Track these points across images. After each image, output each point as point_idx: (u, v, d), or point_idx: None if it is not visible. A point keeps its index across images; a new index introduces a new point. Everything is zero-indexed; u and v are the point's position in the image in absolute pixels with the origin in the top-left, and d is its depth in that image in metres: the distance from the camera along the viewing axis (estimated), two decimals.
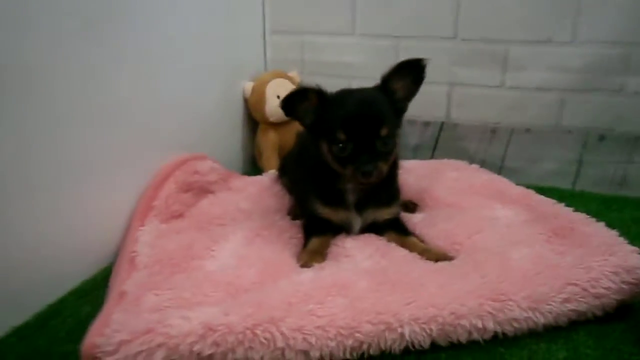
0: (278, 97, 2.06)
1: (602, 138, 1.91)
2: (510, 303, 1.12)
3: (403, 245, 1.43)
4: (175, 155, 1.66)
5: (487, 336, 1.11)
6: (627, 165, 1.90)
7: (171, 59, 1.70)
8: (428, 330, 1.07)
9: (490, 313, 1.10)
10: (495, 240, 1.39)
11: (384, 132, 1.30)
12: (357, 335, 1.04)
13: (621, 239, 1.29)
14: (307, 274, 1.21)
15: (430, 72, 2.12)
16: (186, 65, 1.78)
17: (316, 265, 1.30)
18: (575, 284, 1.16)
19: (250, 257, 1.30)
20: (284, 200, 1.71)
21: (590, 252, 1.25)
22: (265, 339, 1.00)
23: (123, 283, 1.21)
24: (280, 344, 1.00)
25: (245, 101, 2.14)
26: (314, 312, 1.06)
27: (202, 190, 1.68)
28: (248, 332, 1.00)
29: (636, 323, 1.18)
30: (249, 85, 2.10)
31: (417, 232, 1.50)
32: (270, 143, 2.09)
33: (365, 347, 1.05)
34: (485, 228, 1.45)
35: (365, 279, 1.19)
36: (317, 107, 1.37)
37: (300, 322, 1.03)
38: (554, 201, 1.57)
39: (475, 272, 1.21)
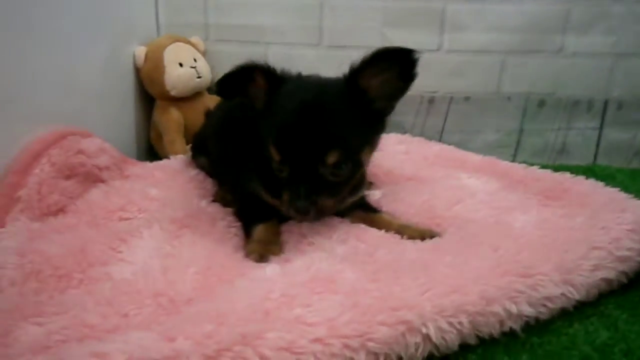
0: (180, 64, 1.66)
1: (541, 104, 1.80)
2: (542, 278, 0.87)
3: (373, 224, 1.13)
4: (48, 129, 1.18)
5: (518, 325, 0.85)
6: (567, 132, 1.82)
7: (35, 9, 1.22)
8: (458, 325, 0.78)
9: (522, 293, 0.85)
10: (481, 210, 1.16)
11: (332, 158, 0.94)
12: (370, 344, 0.71)
13: (624, 194, 1.12)
14: (273, 269, 0.85)
15: (359, 36, 1.90)
16: (54, 20, 1.30)
17: (274, 258, 0.95)
18: (600, 248, 0.96)
19: (182, 255, 0.90)
20: (206, 184, 1.31)
21: (599, 210, 1.07)
22: None
23: None
24: None
25: (137, 71, 1.69)
26: (303, 319, 0.71)
27: (89, 177, 1.21)
28: None
29: None
30: (141, 51, 1.65)
31: (384, 209, 1.21)
32: (172, 123, 1.66)
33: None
34: (465, 198, 1.21)
35: (350, 269, 0.87)
36: (268, 91, 1.02)
37: (288, 335, 0.68)
38: (524, 165, 1.40)
39: (482, 246, 0.96)
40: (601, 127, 1.81)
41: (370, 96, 0.99)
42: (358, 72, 0.98)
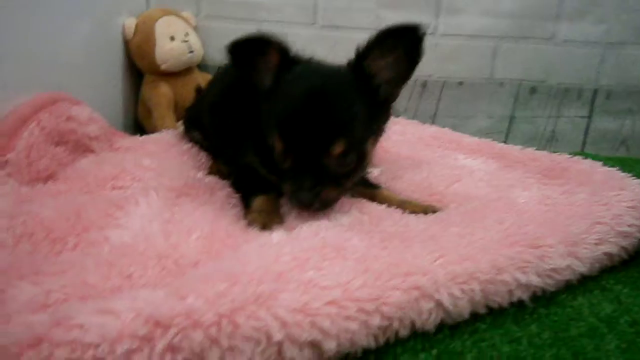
0: (172, 38, 1.61)
1: (533, 91, 1.82)
2: (549, 249, 0.87)
3: (374, 199, 1.12)
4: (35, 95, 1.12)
5: (526, 295, 0.84)
6: (556, 120, 1.84)
7: None
8: (469, 293, 0.77)
9: (530, 263, 0.84)
10: (480, 188, 1.15)
11: (337, 149, 0.90)
12: (385, 309, 0.69)
13: (622, 173, 1.13)
14: (279, 235, 0.82)
15: (355, 17, 1.87)
16: None
17: (278, 227, 0.92)
18: (602, 223, 0.96)
19: (184, 221, 0.87)
20: (200, 157, 1.28)
21: (599, 188, 1.07)
22: (254, 329, 0.60)
23: None
24: (277, 335, 0.61)
25: (126, 44, 1.63)
26: (317, 282, 0.69)
27: (79, 146, 1.17)
28: (224, 321, 0.59)
29: None
30: (131, 22, 1.60)
31: (383, 185, 1.20)
32: (163, 98, 1.61)
33: (395, 326, 0.70)
34: (464, 176, 1.20)
35: (357, 237, 0.85)
36: (278, 71, 0.97)
37: (302, 297, 0.65)
38: (520, 147, 1.40)
39: (486, 219, 0.95)
40: (590, 116, 1.83)
41: (376, 82, 0.96)
42: (364, 55, 0.94)
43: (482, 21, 1.73)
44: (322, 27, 1.77)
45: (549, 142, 1.86)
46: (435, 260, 0.78)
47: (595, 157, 1.75)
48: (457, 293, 0.75)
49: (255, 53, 0.97)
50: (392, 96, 1.01)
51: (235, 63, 0.99)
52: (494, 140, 1.79)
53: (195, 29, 1.75)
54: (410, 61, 0.95)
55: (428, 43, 1.78)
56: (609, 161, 1.73)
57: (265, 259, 0.71)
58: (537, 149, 1.78)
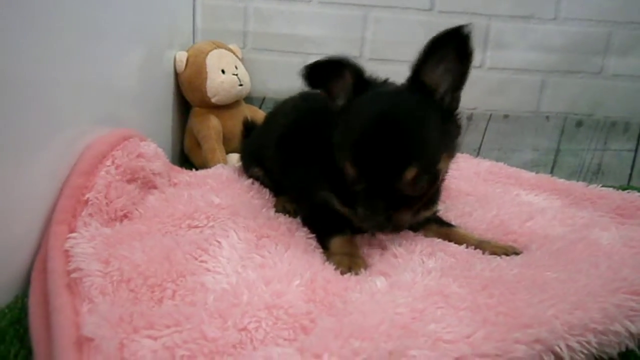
0: (223, 71, 1.60)
1: (579, 124, 1.81)
2: None
3: (449, 238, 1.09)
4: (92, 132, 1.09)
5: (633, 344, 0.81)
6: (603, 153, 1.83)
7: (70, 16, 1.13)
8: (586, 345, 0.73)
9: (637, 311, 0.81)
10: (555, 227, 1.13)
11: (409, 175, 0.88)
12: None
13: None
14: (381, 281, 0.80)
15: (402, 50, 1.88)
16: (88, 25, 1.21)
17: (364, 272, 0.90)
18: None
19: (277, 266, 0.84)
20: (264, 194, 1.26)
21: None
22: None
23: (74, 325, 0.66)
24: None
25: (176, 76, 1.62)
26: (440, 336, 0.66)
27: (146, 183, 1.15)
28: None
29: None
30: (182, 55, 1.59)
31: (454, 223, 1.17)
32: (212, 131, 1.60)
33: None
34: (535, 214, 1.18)
35: (455, 283, 0.82)
36: (352, 92, 0.98)
37: (432, 353, 0.62)
38: (584, 183, 1.38)
39: (579, 262, 0.92)
40: (636, 149, 1.82)
41: (438, 94, 0.94)
42: (420, 68, 0.93)
43: (530, 55, 1.74)
44: (368, 60, 1.77)
45: (595, 175, 1.84)
46: (548, 309, 0.75)
47: None
48: (575, 345, 0.72)
49: (330, 75, 0.99)
50: (453, 103, 0.99)
51: (311, 84, 1.00)
52: (539, 172, 1.79)
53: (242, 61, 1.75)
54: (463, 63, 0.94)
55: (475, 76, 1.78)
56: None
57: (385, 311, 0.69)
58: (584, 182, 1.79)
